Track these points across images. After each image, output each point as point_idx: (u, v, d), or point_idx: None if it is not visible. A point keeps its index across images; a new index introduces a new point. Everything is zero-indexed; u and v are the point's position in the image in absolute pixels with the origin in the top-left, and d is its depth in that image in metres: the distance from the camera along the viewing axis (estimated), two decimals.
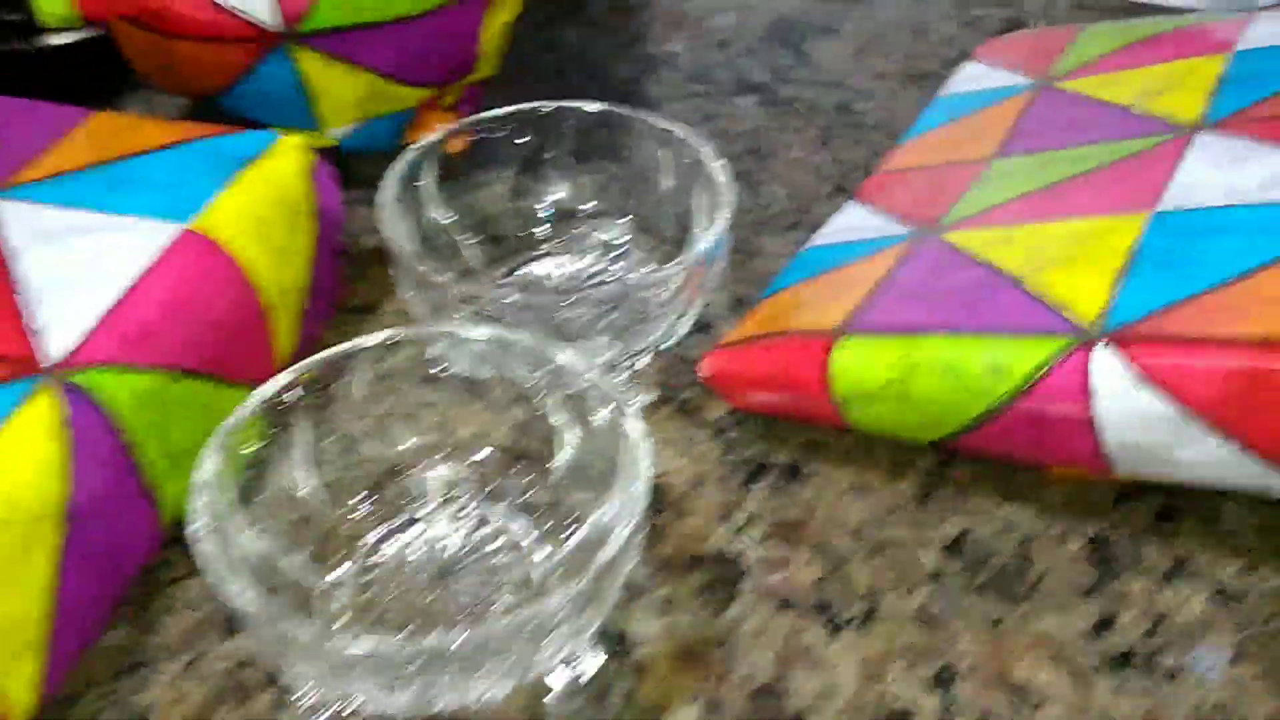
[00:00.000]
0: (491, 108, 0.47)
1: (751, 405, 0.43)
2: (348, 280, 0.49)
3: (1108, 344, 0.35)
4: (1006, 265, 0.40)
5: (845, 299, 0.42)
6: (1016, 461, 0.41)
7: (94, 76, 0.60)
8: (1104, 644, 0.38)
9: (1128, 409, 0.34)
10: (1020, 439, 0.38)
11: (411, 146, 0.45)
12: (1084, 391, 0.35)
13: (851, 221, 0.49)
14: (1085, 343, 0.35)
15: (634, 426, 0.34)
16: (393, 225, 0.42)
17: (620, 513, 0.32)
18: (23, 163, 0.42)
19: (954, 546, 0.40)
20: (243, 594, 0.30)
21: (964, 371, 0.37)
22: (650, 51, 0.65)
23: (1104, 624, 0.38)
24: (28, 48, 0.60)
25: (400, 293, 0.42)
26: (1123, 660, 0.37)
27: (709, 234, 0.41)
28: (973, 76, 0.57)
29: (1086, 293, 0.37)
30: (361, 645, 0.29)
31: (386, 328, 0.38)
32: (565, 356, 0.37)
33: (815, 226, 0.53)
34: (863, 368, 0.39)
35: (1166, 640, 0.38)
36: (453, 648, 0.30)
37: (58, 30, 0.58)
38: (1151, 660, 0.37)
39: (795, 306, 0.43)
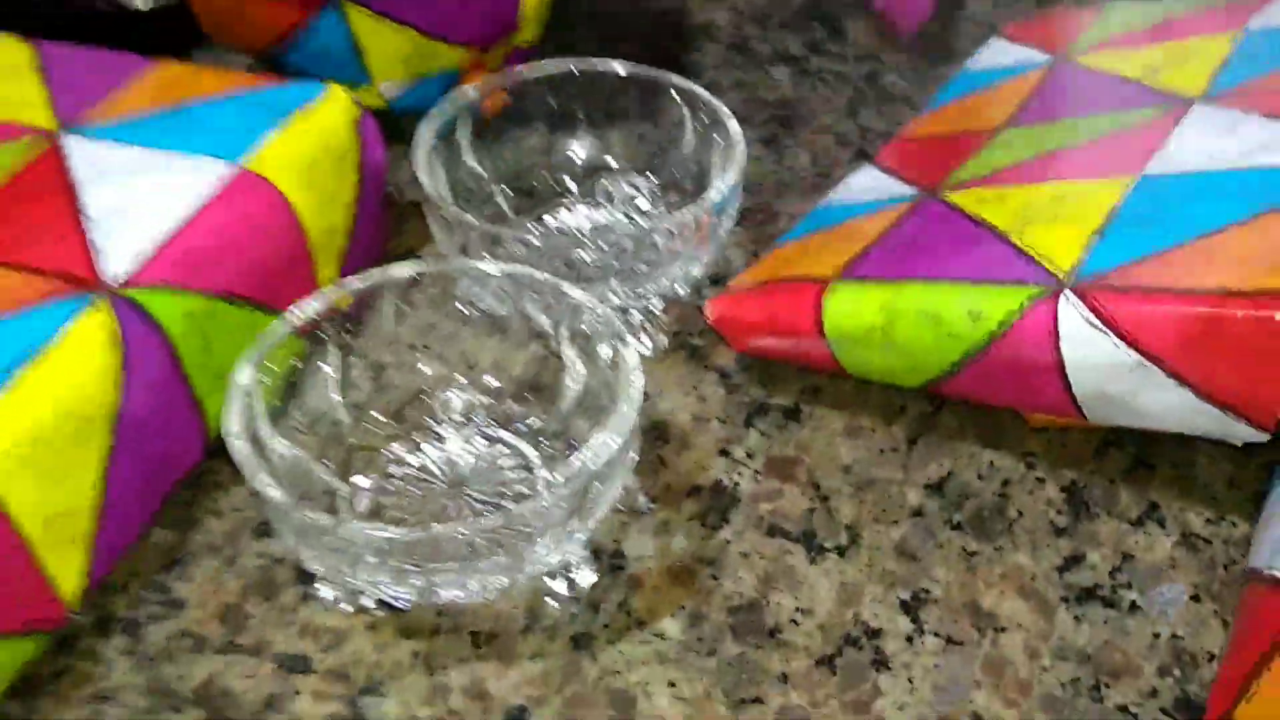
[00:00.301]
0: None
1: (755, 350, 0.46)
2: (390, 228, 0.53)
3: (1074, 292, 0.37)
4: (996, 221, 0.42)
5: (844, 250, 0.44)
6: (1001, 408, 0.44)
7: (167, 39, 0.64)
8: (1071, 579, 0.40)
9: (1091, 355, 0.37)
10: (999, 384, 0.40)
11: (448, 98, 0.48)
12: (1052, 337, 0.37)
13: (865, 183, 0.51)
14: (1055, 291, 0.38)
15: (630, 355, 0.37)
16: (426, 169, 0.45)
17: (610, 430, 0.35)
18: (91, 104, 0.46)
19: (937, 487, 0.43)
20: (271, 485, 0.34)
21: (944, 318, 0.40)
22: (692, 23, 0.68)
23: (1073, 561, 0.40)
24: (113, 8, 0.64)
25: (434, 235, 0.45)
26: (1087, 594, 0.40)
27: (720, 183, 0.44)
28: (997, 52, 0.59)
29: (1064, 247, 0.39)
30: (371, 531, 0.33)
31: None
32: (577, 294, 0.40)
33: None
34: (851, 313, 0.42)
35: (1131, 578, 0.40)
36: (454, 534, 0.33)
37: None
38: (1115, 595, 0.39)
39: (799, 256, 0.46)
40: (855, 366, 0.43)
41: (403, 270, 0.41)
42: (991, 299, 0.39)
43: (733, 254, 0.52)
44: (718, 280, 0.51)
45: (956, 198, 0.45)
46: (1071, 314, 0.37)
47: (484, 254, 0.43)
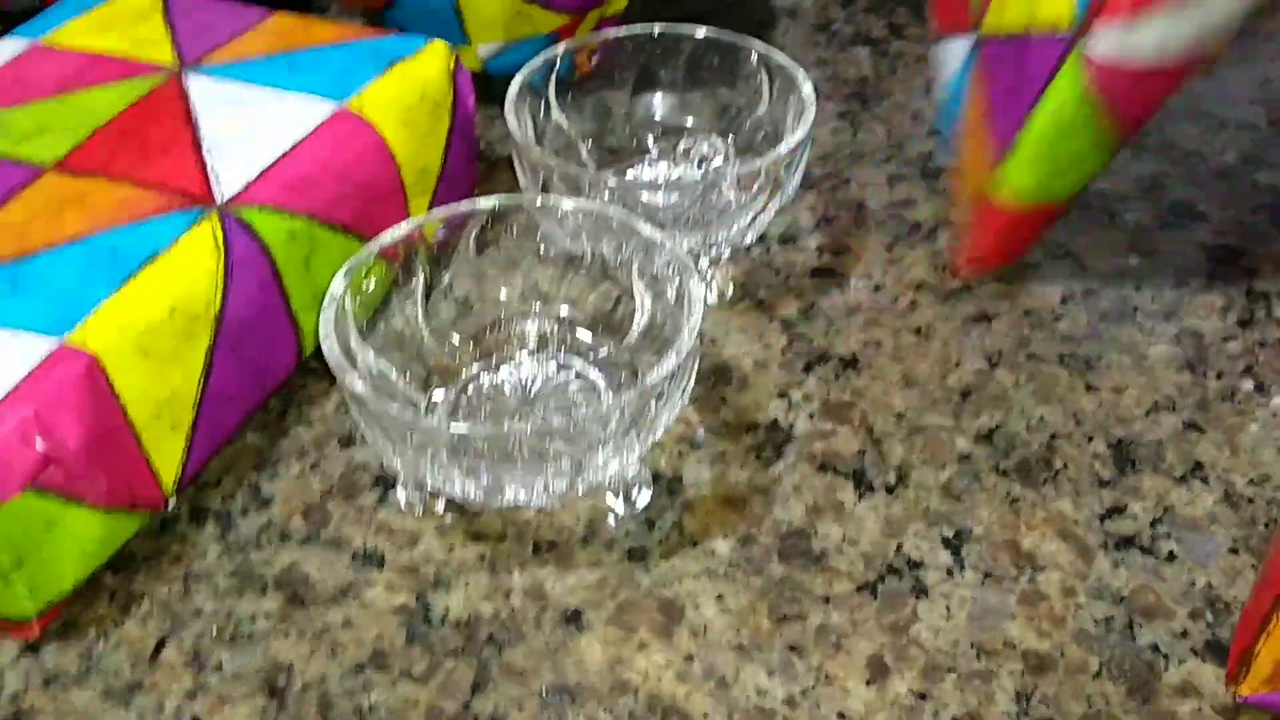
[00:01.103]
0: None
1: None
2: (481, 180, 0.56)
3: None
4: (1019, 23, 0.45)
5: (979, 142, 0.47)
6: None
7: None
8: (1111, 526, 0.41)
9: None
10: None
11: (540, 56, 0.51)
12: None
13: (946, 57, 0.52)
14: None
15: (695, 288, 0.40)
16: (514, 116, 0.48)
17: (670, 351, 0.38)
18: (213, 47, 0.50)
19: (987, 436, 0.44)
20: (355, 381, 0.37)
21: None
22: (779, 4, 0.70)
23: (1114, 511, 0.42)
24: None
25: (519, 180, 0.48)
26: (1126, 542, 0.41)
27: (791, 138, 0.46)
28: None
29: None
30: (446, 425, 0.36)
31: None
32: (648, 231, 0.42)
33: (908, 161, 0.57)
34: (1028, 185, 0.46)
35: (1171, 529, 0.41)
36: (523, 432, 0.36)
37: None
38: (1153, 543, 0.41)
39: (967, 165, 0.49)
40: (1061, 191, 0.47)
41: (487, 203, 0.44)
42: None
43: (803, 216, 0.54)
44: (787, 240, 0.53)
45: (985, 25, 0.47)
46: None
47: (567, 197, 0.46)
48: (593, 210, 0.43)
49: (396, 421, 0.36)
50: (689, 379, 0.39)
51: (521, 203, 0.44)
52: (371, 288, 0.42)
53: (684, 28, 0.53)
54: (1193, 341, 0.48)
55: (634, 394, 0.36)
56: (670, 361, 0.37)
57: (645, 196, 0.45)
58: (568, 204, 0.44)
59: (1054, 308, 0.50)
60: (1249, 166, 0.56)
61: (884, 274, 0.51)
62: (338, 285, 0.40)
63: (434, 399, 0.43)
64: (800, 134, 0.46)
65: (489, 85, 0.57)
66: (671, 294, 0.42)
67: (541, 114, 0.51)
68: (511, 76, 0.50)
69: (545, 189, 0.47)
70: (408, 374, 0.43)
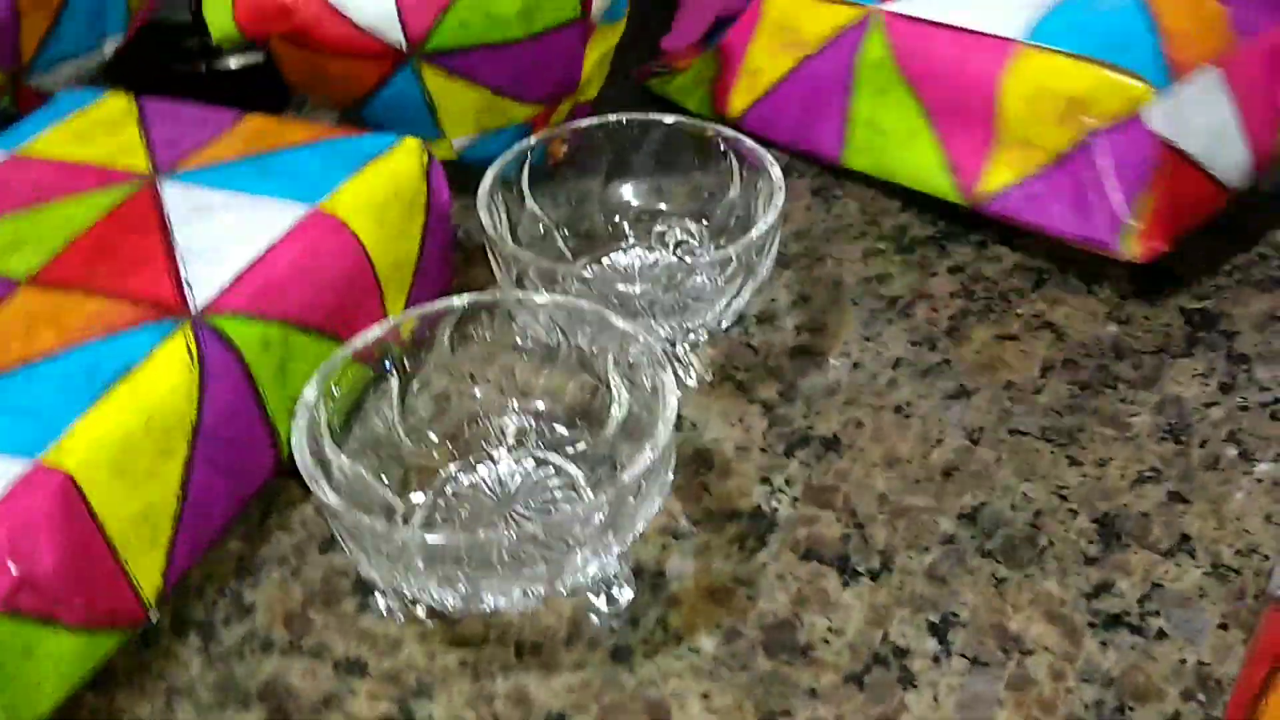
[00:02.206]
0: None
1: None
2: (457, 269, 0.56)
3: None
4: None
5: None
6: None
7: (264, 95, 0.69)
8: (1099, 605, 0.41)
9: None
10: None
11: (513, 148, 0.51)
12: None
13: None
14: None
15: (668, 379, 0.40)
16: (488, 210, 0.48)
17: (646, 446, 0.37)
18: (187, 152, 0.51)
19: (970, 516, 0.44)
20: (328, 493, 0.37)
21: None
22: None
23: (1102, 589, 0.41)
24: (209, 69, 0.69)
25: (495, 273, 0.48)
26: (1114, 621, 0.40)
27: (762, 223, 0.47)
28: None
29: None
30: (421, 535, 0.35)
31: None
32: (623, 324, 0.42)
33: (883, 236, 0.57)
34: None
35: (1159, 606, 0.41)
36: (499, 540, 0.35)
37: (231, 52, 0.67)
38: (1143, 621, 0.40)
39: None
40: None
41: (460, 301, 0.44)
42: None
43: (781, 295, 0.54)
44: (765, 319, 0.53)
45: None
46: None
47: (541, 290, 0.46)
48: (566, 304, 0.43)
49: (370, 532, 0.36)
50: (666, 475, 0.39)
51: (495, 299, 0.44)
52: (346, 391, 0.42)
53: (653, 115, 0.53)
54: (1175, 409, 0.48)
55: (610, 494, 0.36)
56: (644, 461, 0.37)
57: (621, 285, 0.45)
58: (540, 299, 0.44)
59: (1034, 380, 0.49)
60: (1222, 228, 0.56)
61: (862, 351, 0.51)
62: (310, 392, 0.40)
63: (414, 500, 0.43)
64: (770, 219, 0.47)
65: (466, 173, 0.57)
66: (648, 385, 0.42)
67: (516, 205, 0.52)
68: (487, 164, 0.50)
69: (520, 281, 0.47)
70: (385, 476, 0.43)
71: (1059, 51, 0.52)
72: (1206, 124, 0.51)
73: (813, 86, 0.60)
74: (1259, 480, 0.45)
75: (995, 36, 0.54)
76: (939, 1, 0.56)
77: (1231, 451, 0.46)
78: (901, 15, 0.57)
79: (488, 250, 0.48)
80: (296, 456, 0.38)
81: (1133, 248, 0.51)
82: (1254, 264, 0.54)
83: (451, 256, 0.55)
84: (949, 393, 0.49)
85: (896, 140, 0.58)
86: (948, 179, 0.56)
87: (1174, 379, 0.49)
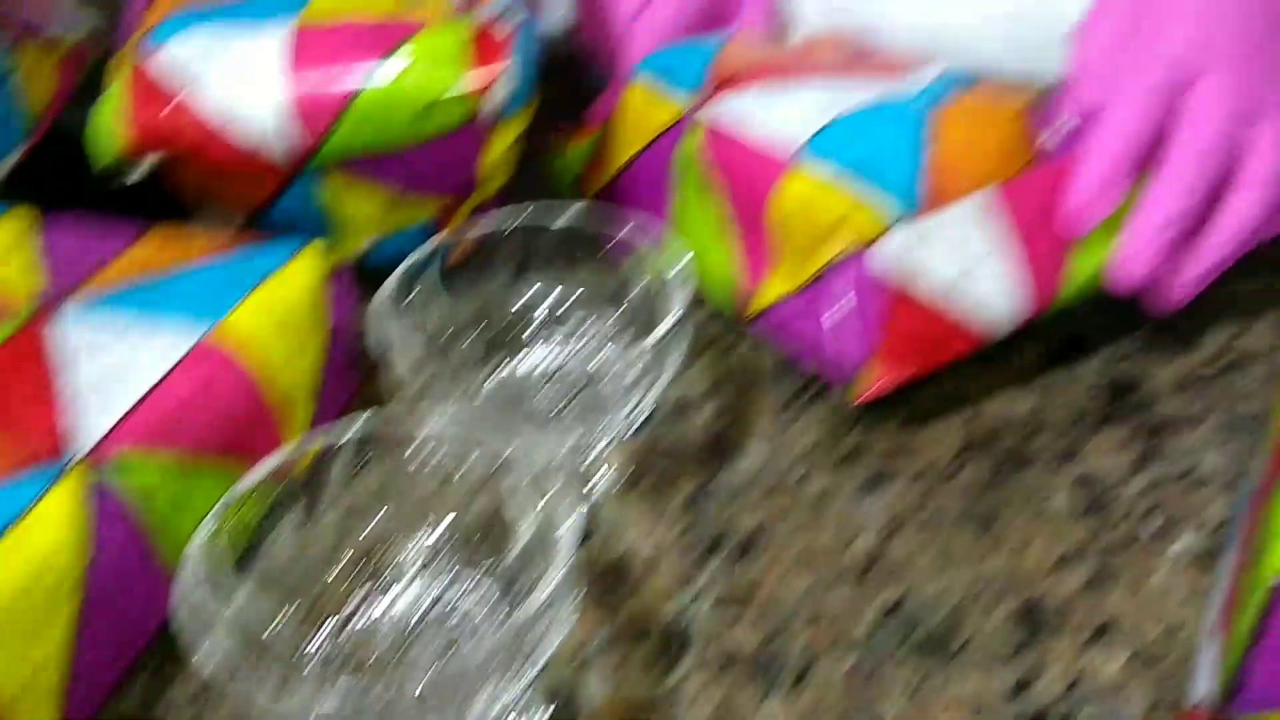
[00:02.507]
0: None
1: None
2: (363, 378, 0.55)
3: None
4: None
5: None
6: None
7: (168, 201, 0.68)
8: (1024, 701, 0.40)
9: None
10: None
11: (415, 252, 0.50)
12: None
13: None
14: None
15: (572, 495, 0.38)
16: (391, 318, 0.47)
17: (546, 576, 0.36)
18: (84, 276, 0.49)
19: (891, 611, 0.43)
20: (209, 655, 0.35)
21: None
22: None
23: (1025, 683, 0.41)
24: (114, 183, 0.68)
25: (399, 383, 0.47)
26: (1040, 717, 0.40)
27: (666, 321, 0.46)
28: None
29: None
30: (302, 703, 0.34)
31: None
32: (527, 441, 0.41)
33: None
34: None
35: (1083, 698, 0.40)
36: (384, 696, 0.34)
37: (122, 173, 0.66)
38: (1069, 714, 0.39)
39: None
40: None
41: (358, 426, 0.43)
42: None
43: (695, 385, 0.53)
44: (679, 412, 0.52)
45: None
46: None
47: (446, 399, 0.45)
48: (466, 420, 0.42)
49: (252, 704, 0.35)
50: (572, 597, 0.38)
51: (392, 420, 0.43)
52: (242, 527, 0.40)
53: (560, 206, 0.52)
54: (1094, 484, 0.47)
55: (513, 625, 0.35)
56: (546, 589, 0.36)
57: (528, 391, 0.44)
58: (439, 417, 0.43)
59: (950, 461, 0.49)
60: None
61: (778, 440, 0.50)
62: (200, 537, 0.38)
63: (313, 636, 0.41)
64: (676, 312, 0.46)
65: (371, 275, 0.56)
66: (553, 502, 0.40)
67: (420, 310, 0.51)
68: (390, 266, 0.49)
69: (424, 393, 0.46)
70: (288, 610, 0.41)
71: (824, 169, 0.50)
72: (959, 259, 0.48)
73: (644, 180, 0.59)
74: (1179, 557, 0.44)
75: (776, 149, 0.52)
76: (740, 109, 0.55)
77: (1152, 526, 0.46)
78: (710, 121, 0.56)
79: (394, 359, 0.47)
80: (177, 617, 0.36)
81: (863, 383, 0.49)
82: (1167, 326, 0.54)
83: (357, 365, 0.53)
84: (866, 480, 0.48)
85: (702, 243, 0.57)
86: (733, 289, 0.55)
87: (1093, 451, 0.49)
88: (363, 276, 0.54)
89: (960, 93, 0.53)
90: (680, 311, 0.46)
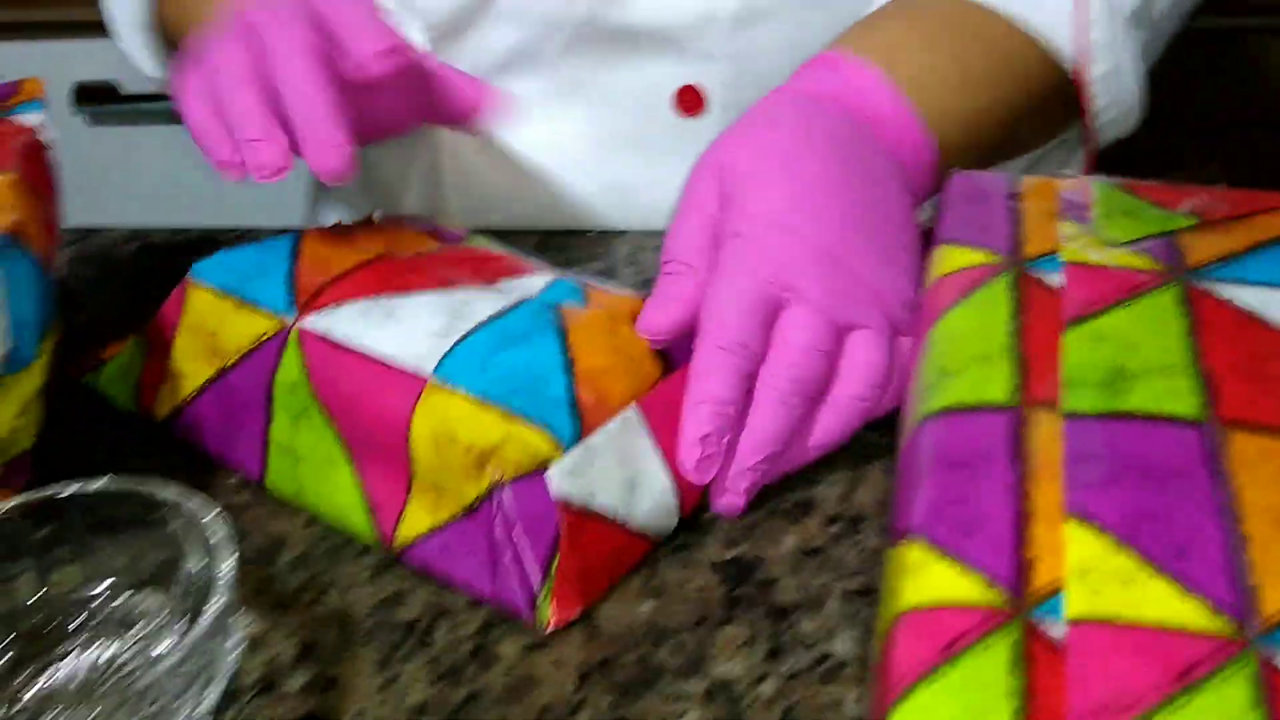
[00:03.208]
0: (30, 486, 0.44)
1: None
2: None
3: None
4: None
5: None
6: None
7: None
8: None
9: None
10: None
11: None
12: None
13: None
14: None
15: None
16: None
17: None
18: None
19: None
20: None
21: None
22: None
23: None
24: None
25: None
26: None
27: (212, 606, 0.39)
28: None
29: None
30: None
31: None
32: None
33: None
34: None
35: None
36: None
37: None
38: None
39: None
40: None
41: None
42: None
43: (282, 650, 0.46)
44: (265, 688, 0.45)
45: None
46: None
47: None
48: None
49: None
50: None
51: None
52: None
53: (83, 483, 0.44)
54: (724, 694, 0.43)
55: None
56: None
57: (62, 708, 0.36)
58: None
59: (571, 694, 0.44)
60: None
61: (381, 704, 0.44)
62: None
63: None
64: (222, 587, 0.39)
65: None
66: None
67: None
68: None
69: None
70: None
71: (463, 392, 0.46)
72: (622, 473, 0.47)
73: (232, 401, 0.53)
74: None
75: (406, 368, 0.48)
76: (355, 322, 0.50)
77: None
78: (316, 334, 0.50)
79: None
80: None
81: (545, 615, 0.46)
82: (780, 491, 0.51)
83: None
84: None
85: (315, 470, 0.51)
86: (367, 520, 0.49)
87: (719, 655, 0.45)
88: None
89: (576, 307, 0.51)
90: (225, 585, 0.39)
